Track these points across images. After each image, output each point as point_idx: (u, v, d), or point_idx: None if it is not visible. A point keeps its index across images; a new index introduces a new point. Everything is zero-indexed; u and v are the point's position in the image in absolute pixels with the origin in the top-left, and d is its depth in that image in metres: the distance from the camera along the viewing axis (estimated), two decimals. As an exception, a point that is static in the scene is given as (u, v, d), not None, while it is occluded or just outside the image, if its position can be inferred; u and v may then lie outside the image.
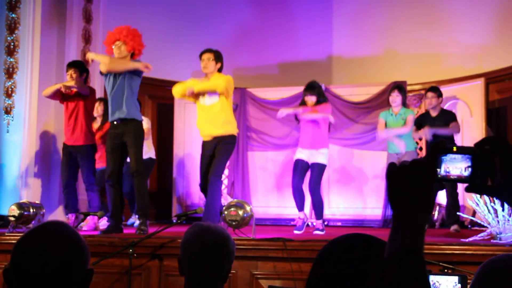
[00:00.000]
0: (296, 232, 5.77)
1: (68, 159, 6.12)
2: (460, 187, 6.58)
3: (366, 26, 9.09)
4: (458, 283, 2.52)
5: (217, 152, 5.53)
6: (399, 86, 6.56)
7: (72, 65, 6.14)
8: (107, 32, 5.52)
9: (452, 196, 6.31)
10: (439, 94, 6.56)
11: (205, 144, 5.68)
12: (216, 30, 9.22)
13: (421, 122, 6.57)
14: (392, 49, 8.81)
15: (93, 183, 6.15)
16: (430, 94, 6.57)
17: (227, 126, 5.59)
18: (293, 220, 6.20)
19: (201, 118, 5.70)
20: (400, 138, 6.33)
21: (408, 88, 7.94)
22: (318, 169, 6.02)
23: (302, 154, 6.10)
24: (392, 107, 6.44)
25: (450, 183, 6.39)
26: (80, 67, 6.14)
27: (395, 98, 6.41)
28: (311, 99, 6.10)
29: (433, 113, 6.55)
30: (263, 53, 9.33)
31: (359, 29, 9.15)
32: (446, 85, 7.89)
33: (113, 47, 5.37)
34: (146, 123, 6.33)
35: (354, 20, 9.22)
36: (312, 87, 6.15)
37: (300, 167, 6.07)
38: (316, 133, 6.08)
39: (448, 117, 6.51)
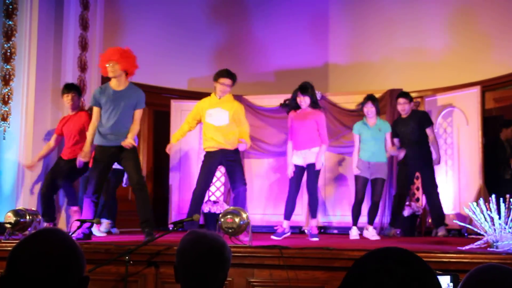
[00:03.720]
0: (273, 237, 5.88)
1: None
2: (452, 188, 6.59)
3: (362, 34, 9.12)
4: (451, 282, 2.53)
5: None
6: (372, 97, 6.48)
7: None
8: (100, 55, 5.73)
9: (431, 197, 6.40)
10: (411, 99, 6.86)
11: None
12: (213, 37, 9.24)
13: (395, 127, 6.74)
14: (388, 57, 8.83)
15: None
16: (401, 100, 6.82)
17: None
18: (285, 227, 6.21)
19: None
20: (373, 149, 6.39)
21: (405, 96, 7.96)
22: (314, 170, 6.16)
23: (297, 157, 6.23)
24: (368, 118, 6.45)
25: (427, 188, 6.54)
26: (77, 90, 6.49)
27: (370, 109, 6.40)
28: (304, 100, 6.13)
29: (404, 115, 6.85)
30: (259, 60, 9.34)
31: (355, 37, 9.18)
32: (442, 92, 7.91)
33: (107, 65, 5.45)
34: None
35: (351, 28, 9.25)
36: (305, 88, 6.15)
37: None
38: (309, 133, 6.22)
39: (419, 116, 6.82)
